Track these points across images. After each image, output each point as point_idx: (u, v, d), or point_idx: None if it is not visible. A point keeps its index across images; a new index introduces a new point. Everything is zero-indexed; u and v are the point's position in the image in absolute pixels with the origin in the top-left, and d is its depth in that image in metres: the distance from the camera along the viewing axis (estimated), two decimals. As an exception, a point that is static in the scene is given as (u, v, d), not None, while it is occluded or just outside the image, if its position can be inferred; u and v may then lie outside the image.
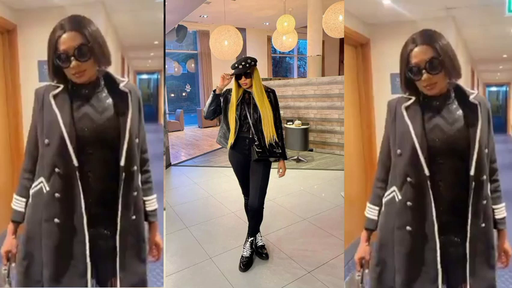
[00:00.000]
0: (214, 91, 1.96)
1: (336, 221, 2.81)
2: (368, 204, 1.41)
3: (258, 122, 1.95)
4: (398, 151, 1.30)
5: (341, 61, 12.60)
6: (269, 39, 11.05)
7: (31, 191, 1.27)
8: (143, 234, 1.37)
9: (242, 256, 2.15)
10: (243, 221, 2.70)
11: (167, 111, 8.00)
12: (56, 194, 1.22)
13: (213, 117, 2.06)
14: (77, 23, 1.19)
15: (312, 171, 4.58)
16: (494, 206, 1.34)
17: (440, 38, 1.21)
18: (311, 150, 5.86)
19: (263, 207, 2.08)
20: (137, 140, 1.32)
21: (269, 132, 1.94)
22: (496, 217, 1.34)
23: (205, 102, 2.04)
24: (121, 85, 1.28)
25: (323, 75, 9.12)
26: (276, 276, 2.01)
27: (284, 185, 3.75)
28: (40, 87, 1.27)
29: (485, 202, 1.26)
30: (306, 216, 2.93)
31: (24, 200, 1.28)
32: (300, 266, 2.12)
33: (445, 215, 1.24)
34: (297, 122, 5.14)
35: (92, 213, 1.23)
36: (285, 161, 2.07)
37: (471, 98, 1.25)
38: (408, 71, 1.22)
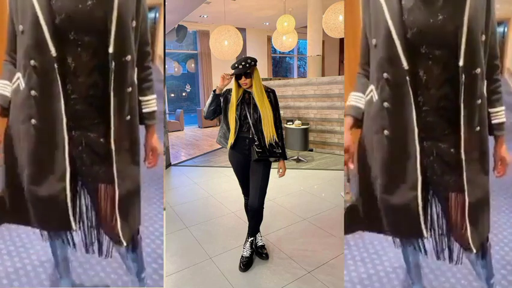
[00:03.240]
0: (214, 91, 1.96)
1: (336, 221, 2.80)
2: (351, 93, 1.23)
3: (258, 122, 1.95)
4: (373, 41, 1.10)
5: (341, 61, 12.59)
6: (269, 39, 11.05)
7: (11, 88, 1.12)
8: (137, 136, 1.21)
9: (242, 256, 2.15)
10: (243, 221, 2.70)
11: (167, 111, 8.00)
12: (32, 92, 1.05)
13: (213, 117, 2.06)
14: None
15: (312, 171, 4.58)
16: (491, 110, 1.16)
17: None
18: (311, 150, 5.85)
19: (263, 207, 2.08)
20: (133, 23, 1.11)
21: (269, 132, 1.93)
22: (493, 122, 1.16)
23: (205, 102, 2.04)
24: None
25: (323, 75, 9.12)
26: (276, 276, 2.01)
27: (284, 185, 3.75)
28: None
29: (479, 102, 1.07)
30: (306, 216, 2.93)
31: (7, 82, 1.11)
32: (300, 266, 2.12)
33: (430, 116, 1.07)
34: (297, 122, 5.14)
35: (76, 112, 1.07)
36: (285, 161, 2.07)
37: None
38: None
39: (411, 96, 1.06)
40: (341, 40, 11.50)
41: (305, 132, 5.11)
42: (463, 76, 1.02)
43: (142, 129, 1.29)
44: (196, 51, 10.57)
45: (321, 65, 7.87)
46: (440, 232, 1.21)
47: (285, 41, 7.08)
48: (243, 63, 1.87)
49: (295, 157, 5.22)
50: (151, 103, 1.26)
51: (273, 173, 2.06)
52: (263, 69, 11.21)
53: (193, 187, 3.99)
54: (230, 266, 2.13)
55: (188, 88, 12.11)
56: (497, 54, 1.14)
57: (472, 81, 1.04)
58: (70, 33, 1.02)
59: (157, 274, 1.53)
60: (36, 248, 1.63)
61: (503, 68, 1.57)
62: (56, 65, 1.03)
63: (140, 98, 1.24)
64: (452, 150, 1.09)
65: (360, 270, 1.60)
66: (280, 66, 13.99)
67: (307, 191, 3.71)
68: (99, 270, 1.54)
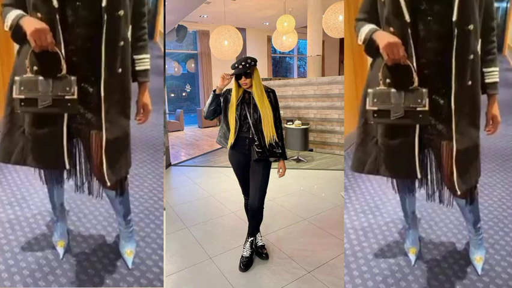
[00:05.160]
0: (214, 91, 1.96)
1: (336, 221, 2.80)
2: (363, 27, 1.26)
3: (258, 122, 1.95)
4: None
5: (341, 61, 12.60)
6: (269, 39, 11.04)
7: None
8: (129, 91, 1.31)
9: (242, 256, 2.15)
10: (243, 221, 2.70)
11: (167, 111, 7.99)
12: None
13: (213, 117, 2.06)
14: None
15: (312, 171, 4.58)
16: (485, 69, 1.26)
17: None
18: (311, 150, 5.85)
19: (263, 207, 2.08)
20: None
21: (269, 132, 1.93)
22: (486, 81, 1.27)
23: (205, 102, 2.04)
24: None
25: (323, 75, 9.12)
26: (276, 276, 2.01)
27: (284, 185, 3.75)
28: None
29: (471, 57, 1.16)
30: (306, 216, 2.93)
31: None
32: (300, 266, 2.12)
33: (427, 68, 1.17)
34: (297, 122, 5.14)
35: (73, 63, 1.17)
36: (285, 161, 2.07)
37: None
38: None
39: (413, 48, 1.15)
40: (341, 40, 11.49)
41: (305, 132, 5.11)
42: (456, 31, 1.11)
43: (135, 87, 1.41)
44: (196, 51, 10.57)
45: (321, 65, 7.87)
46: (432, 177, 1.35)
47: (285, 41, 7.08)
48: (243, 63, 1.87)
49: (295, 157, 5.22)
50: (144, 61, 1.37)
51: (273, 173, 2.06)
52: (263, 69, 11.20)
53: (193, 187, 3.99)
54: (230, 266, 2.13)
55: (188, 88, 12.11)
56: (493, 17, 1.23)
57: (464, 36, 1.12)
58: None
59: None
60: (35, 200, 1.89)
61: (505, 45, 1.65)
62: (57, 16, 1.12)
63: (134, 56, 1.35)
64: (444, 101, 1.19)
65: (361, 220, 1.82)
66: (280, 66, 13.98)
67: (307, 191, 3.71)
68: (91, 218, 1.79)
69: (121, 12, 1.20)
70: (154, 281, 1.50)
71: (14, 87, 1.17)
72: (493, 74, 1.27)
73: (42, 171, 1.40)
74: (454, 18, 1.10)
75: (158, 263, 1.57)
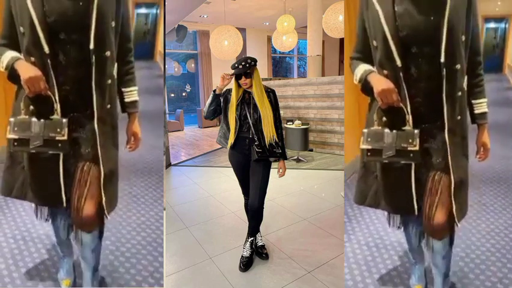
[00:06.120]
0: (214, 91, 1.96)
1: (336, 221, 2.81)
2: (359, 66, 1.31)
3: (258, 122, 1.95)
4: (374, 43, 1.25)
5: (341, 61, 12.59)
6: (269, 39, 11.04)
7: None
8: (116, 123, 1.37)
9: (242, 256, 2.15)
10: (243, 221, 2.70)
11: (167, 111, 8.00)
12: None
13: (212, 117, 2.06)
14: None
15: (312, 171, 4.58)
16: (474, 101, 1.32)
17: None
18: (311, 150, 5.85)
19: (263, 207, 2.08)
20: (113, 23, 1.26)
21: (269, 132, 1.93)
22: (476, 112, 1.33)
23: (205, 102, 2.04)
24: None
25: (323, 75, 9.12)
26: (276, 276, 2.01)
27: (284, 185, 3.75)
28: None
29: (459, 94, 1.23)
30: (306, 216, 2.93)
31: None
32: (300, 266, 2.12)
33: (421, 107, 1.22)
34: (297, 122, 5.14)
35: (68, 102, 1.22)
36: (285, 161, 2.07)
37: None
38: None
39: (405, 90, 1.21)
40: (341, 40, 11.49)
41: (305, 132, 5.11)
42: (444, 71, 1.17)
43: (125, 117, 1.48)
44: (196, 51, 10.57)
45: (321, 65, 7.86)
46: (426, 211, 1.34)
47: (285, 41, 7.08)
48: (243, 63, 1.87)
49: (295, 157, 5.22)
50: (132, 93, 1.43)
51: (273, 173, 2.06)
52: (263, 69, 11.20)
53: (193, 187, 3.99)
54: (230, 266, 2.13)
55: (188, 88, 12.10)
56: (480, 52, 1.29)
57: (452, 75, 1.19)
58: (60, 33, 1.18)
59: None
60: (39, 232, 1.80)
61: (504, 64, 1.68)
62: (48, 61, 1.17)
63: (123, 89, 1.41)
64: (439, 136, 1.24)
65: (365, 253, 1.77)
66: (280, 66, 13.98)
67: (307, 191, 3.71)
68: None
69: (108, 53, 1.25)
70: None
71: (9, 127, 1.20)
72: (482, 105, 1.33)
73: (44, 207, 1.39)
74: (442, 59, 1.16)
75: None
